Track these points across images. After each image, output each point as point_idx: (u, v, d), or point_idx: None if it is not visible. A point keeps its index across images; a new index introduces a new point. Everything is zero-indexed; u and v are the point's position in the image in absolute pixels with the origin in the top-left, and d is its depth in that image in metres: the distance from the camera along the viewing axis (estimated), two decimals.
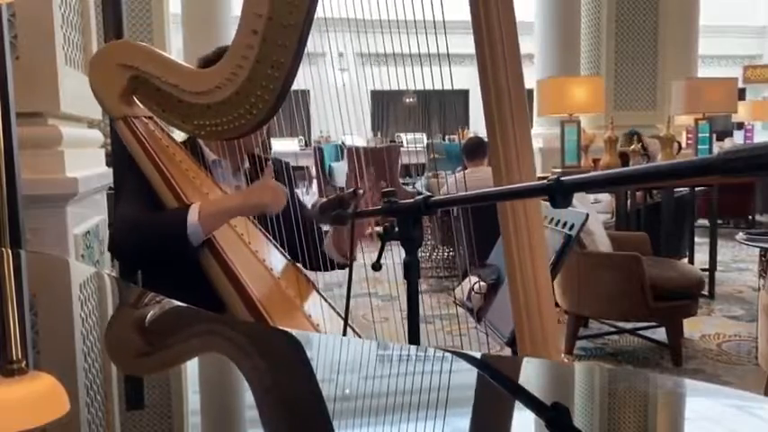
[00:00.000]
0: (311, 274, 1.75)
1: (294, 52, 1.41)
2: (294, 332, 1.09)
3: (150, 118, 1.71)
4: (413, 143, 10.25)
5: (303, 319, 1.53)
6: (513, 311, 1.20)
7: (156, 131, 1.71)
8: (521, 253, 1.16)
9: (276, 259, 1.67)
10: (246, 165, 1.80)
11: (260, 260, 1.62)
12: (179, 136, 1.78)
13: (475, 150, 4.98)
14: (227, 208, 1.58)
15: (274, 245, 1.70)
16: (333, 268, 1.79)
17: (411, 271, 1.11)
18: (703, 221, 6.40)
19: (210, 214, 1.53)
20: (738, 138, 12.26)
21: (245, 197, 1.60)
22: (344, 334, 1.34)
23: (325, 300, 1.65)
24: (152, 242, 1.54)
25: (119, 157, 2.40)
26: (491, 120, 1.16)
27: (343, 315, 1.33)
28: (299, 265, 1.74)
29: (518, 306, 1.18)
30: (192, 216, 1.51)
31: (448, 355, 0.84)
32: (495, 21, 1.14)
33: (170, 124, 1.62)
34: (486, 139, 5.30)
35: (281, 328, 1.43)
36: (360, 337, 1.63)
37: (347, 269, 1.74)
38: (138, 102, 1.66)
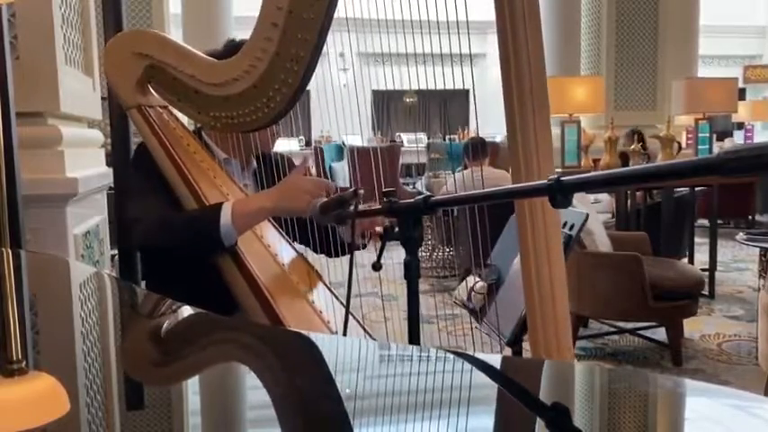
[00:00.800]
0: (320, 269, 1.74)
1: (314, 46, 1.40)
2: (296, 332, 1.09)
3: (165, 108, 1.70)
4: (413, 143, 10.25)
5: (314, 316, 1.53)
6: (528, 315, 1.19)
7: (171, 121, 1.70)
8: (537, 255, 1.15)
9: (287, 253, 1.66)
10: (254, 164, 1.79)
11: (272, 255, 1.61)
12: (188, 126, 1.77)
13: (477, 150, 4.98)
14: (260, 209, 1.53)
15: (285, 238, 1.70)
16: (345, 253, 1.72)
17: (411, 271, 1.10)
18: (703, 221, 6.40)
19: (244, 215, 1.50)
20: (738, 138, 12.24)
21: (277, 199, 1.53)
22: (345, 333, 1.34)
23: (335, 295, 1.65)
24: (184, 241, 1.52)
25: (119, 156, 2.40)
26: (512, 120, 1.15)
27: (350, 312, 1.33)
28: (310, 253, 1.73)
29: (533, 309, 1.17)
30: (226, 217, 1.47)
31: (448, 355, 0.84)
32: (521, 20, 1.13)
33: (185, 114, 1.60)
34: (486, 140, 5.32)
35: (287, 327, 1.43)
36: (369, 334, 1.62)
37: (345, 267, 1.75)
38: (152, 91, 1.65)
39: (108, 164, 2.93)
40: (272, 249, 1.62)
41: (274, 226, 1.71)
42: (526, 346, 1.34)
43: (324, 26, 1.38)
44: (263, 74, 1.44)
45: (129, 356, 0.92)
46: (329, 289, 1.66)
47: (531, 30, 1.13)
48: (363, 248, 1.67)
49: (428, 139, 10.18)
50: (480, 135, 6.88)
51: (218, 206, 1.49)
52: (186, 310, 1.05)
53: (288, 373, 0.82)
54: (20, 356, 0.64)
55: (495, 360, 0.97)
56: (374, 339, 1.60)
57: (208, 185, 1.60)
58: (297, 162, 1.72)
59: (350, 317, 1.31)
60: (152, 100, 1.67)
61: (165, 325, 1.08)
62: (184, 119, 1.71)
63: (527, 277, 1.18)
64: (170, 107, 1.68)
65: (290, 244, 1.70)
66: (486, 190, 1.07)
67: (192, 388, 0.83)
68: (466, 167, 5.11)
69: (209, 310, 1.02)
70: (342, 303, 1.63)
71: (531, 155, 1.14)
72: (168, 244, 1.53)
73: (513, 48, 1.13)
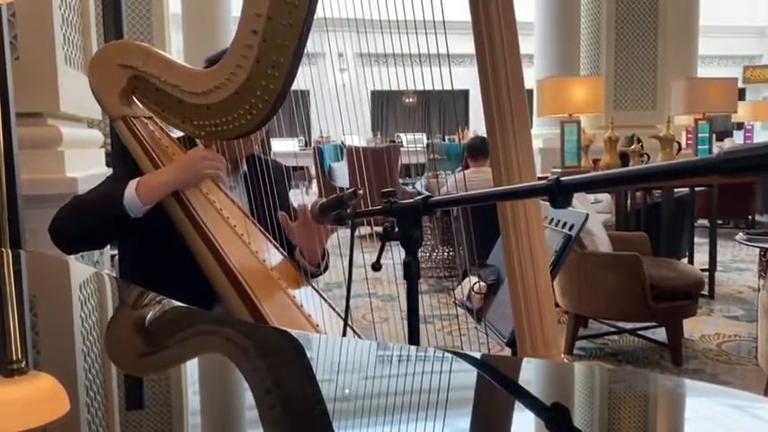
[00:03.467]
0: None
1: (294, 52, 1.40)
2: (293, 332, 1.09)
3: (150, 118, 1.71)
4: (413, 143, 10.26)
5: (303, 320, 1.53)
6: (513, 312, 1.20)
7: (156, 132, 1.71)
8: (521, 254, 1.16)
9: (276, 259, 1.67)
10: (244, 167, 1.80)
11: (260, 260, 1.62)
12: (176, 134, 1.78)
13: (478, 150, 4.99)
14: (161, 183, 1.59)
15: (274, 245, 1.70)
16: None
17: (411, 271, 1.11)
18: (703, 221, 6.40)
19: (147, 186, 1.56)
20: (738, 138, 12.26)
21: (176, 173, 1.61)
22: (344, 334, 1.34)
23: (326, 300, 1.65)
24: (89, 216, 1.58)
25: (119, 157, 2.40)
26: (491, 120, 1.16)
27: (342, 315, 1.33)
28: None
29: (518, 306, 1.18)
30: (130, 189, 1.54)
31: (448, 355, 0.84)
32: (496, 22, 1.14)
33: (170, 124, 1.62)
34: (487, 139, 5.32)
35: (280, 327, 1.43)
36: (360, 337, 1.62)
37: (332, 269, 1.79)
38: (137, 102, 1.66)
39: (108, 164, 2.94)
40: (259, 255, 1.62)
41: (263, 232, 1.71)
42: None
43: (303, 31, 1.39)
44: (244, 81, 1.44)
45: (128, 356, 0.92)
46: (319, 294, 1.67)
47: (505, 28, 1.14)
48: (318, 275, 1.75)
49: (427, 139, 10.18)
50: (481, 135, 6.87)
51: (126, 182, 1.57)
52: (186, 311, 1.05)
53: (288, 374, 0.82)
54: (20, 356, 0.64)
55: (491, 360, 0.97)
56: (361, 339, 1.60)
57: (192, 192, 1.62)
58: (295, 163, 1.74)
59: (346, 320, 1.31)
60: (137, 111, 1.68)
61: (155, 322, 1.08)
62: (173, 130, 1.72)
63: (511, 276, 1.19)
64: (155, 117, 1.69)
65: (279, 250, 1.70)
66: (485, 190, 1.07)
67: (191, 388, 0.83)
68: (467, 167, 5.11)
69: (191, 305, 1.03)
70: (331, 306, 1.63)
71: (511, 154, 1.15)
72: (77, 218, 1.60)
73: (489, 48, 1.14)
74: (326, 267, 1.81)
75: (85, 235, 1.64)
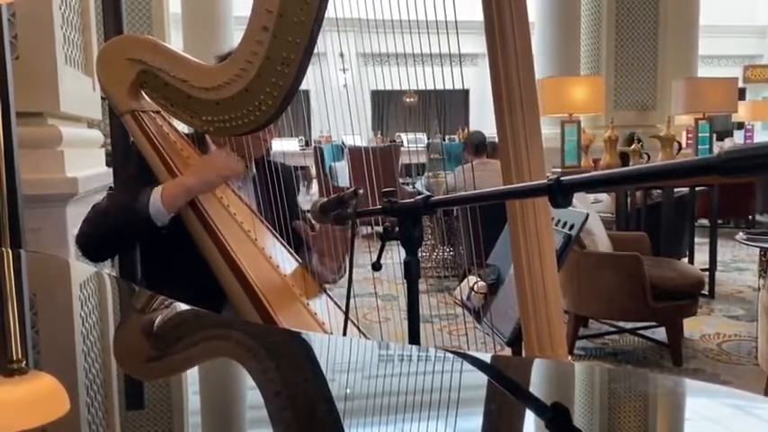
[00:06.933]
0: None
1: (304, 49, 1.40)
2: (296, 332, 1.09)
3: (158, 113, 1.71)
4: (413, 143, 10.25)
5: (309, 318, 1.53)
6: (521, 313, 1.19)
7: (164, 126, 1.71)
8: (530, 255, 1.16)
9: (283, 257, 1.67)
10: (254, 170, 1.80)
11: (266, 258, 1.62)
12: (183, 129, 1.78)
13: (480, 145, 5.07)
14: (186, 188, 1.60)
15: (280, 242, 1.71)
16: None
17: (411, 271, 1.11)
18: (703, 221, 6.40)
19: (171, 195, 1.57)
20: (738, 138, 12.25)
21: (199, 175, 1.62)
22: (345, 334, 1.34)
23: (331, 298, 1.65)
24: (117, 228, 1.60)
25: (118, 156, 2.41)
26: (501, 119, 1.15)
27: (348, 316, 1.33)
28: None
29: (525, 308, 1.17)
30: (155, 197, 1.56)
31: (448, 355, 0.84)
32: (508, 19, 1.13)
33: (178, 119, 1.61)
34: (487, 137, 5.36)
35: (285, 326, 1.43)
36: (366, 336, 1.62)
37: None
38: (145, 96, 1.66)
39: (108, 164, 2.94)
40: (266, 253, 1.63)
41: (271, 231, 1.71)
42: None
43: (314, 28, 1.38)
44: (254, 77, 1.44)
45: (129, 356, 0.92)
46: (325, 291, 1.67)
47: (518, 25, 1.13)
48: (334, 282, 1.75)
49: (428, 139, 10.17)
50: (478, 131, 6.87)
51: (151, 190, 1.59)
52: (186, 310, 1.05)
53: (288, 373, 0.82)
54: (20, 356, 0.64)
55: (492, 360, 0.97)
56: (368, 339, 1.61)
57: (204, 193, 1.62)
58: (303, 162, 1.75)
59: (348, 317, 1.32)
60: (145, 105, 1.68)
61: (164, 325, 1.08)
62: (180, 124, 1.72)
63: (519, 276, 1.18)
64: (163, 112, 1.69)
65: (285, 247, 1.70)
66: (485, 190, 1.07)
67: (191, 388, 0.83)
68: (467, 162, 5.15)
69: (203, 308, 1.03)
70: (338, 305, 1.63)
71: (521, 153, 1.14)
72: (107, 229, 1.62)
73: (501, 49, 1.14)
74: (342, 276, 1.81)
75: (114, 246, 1.72)
